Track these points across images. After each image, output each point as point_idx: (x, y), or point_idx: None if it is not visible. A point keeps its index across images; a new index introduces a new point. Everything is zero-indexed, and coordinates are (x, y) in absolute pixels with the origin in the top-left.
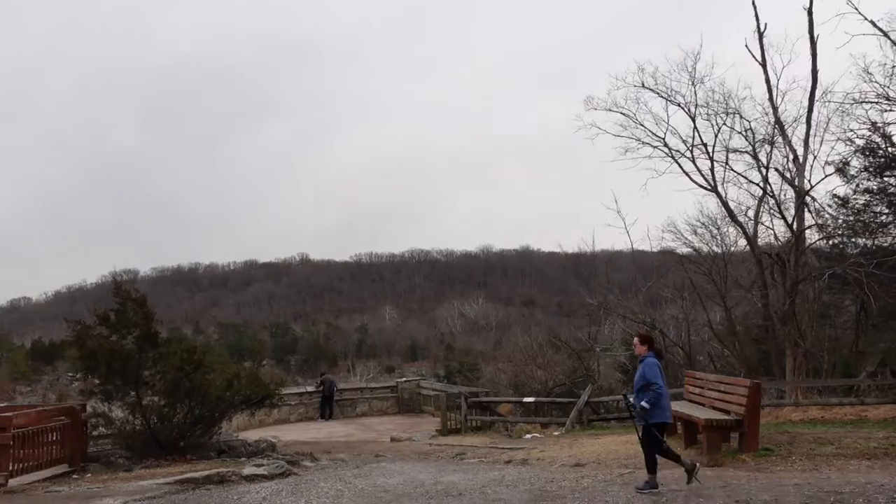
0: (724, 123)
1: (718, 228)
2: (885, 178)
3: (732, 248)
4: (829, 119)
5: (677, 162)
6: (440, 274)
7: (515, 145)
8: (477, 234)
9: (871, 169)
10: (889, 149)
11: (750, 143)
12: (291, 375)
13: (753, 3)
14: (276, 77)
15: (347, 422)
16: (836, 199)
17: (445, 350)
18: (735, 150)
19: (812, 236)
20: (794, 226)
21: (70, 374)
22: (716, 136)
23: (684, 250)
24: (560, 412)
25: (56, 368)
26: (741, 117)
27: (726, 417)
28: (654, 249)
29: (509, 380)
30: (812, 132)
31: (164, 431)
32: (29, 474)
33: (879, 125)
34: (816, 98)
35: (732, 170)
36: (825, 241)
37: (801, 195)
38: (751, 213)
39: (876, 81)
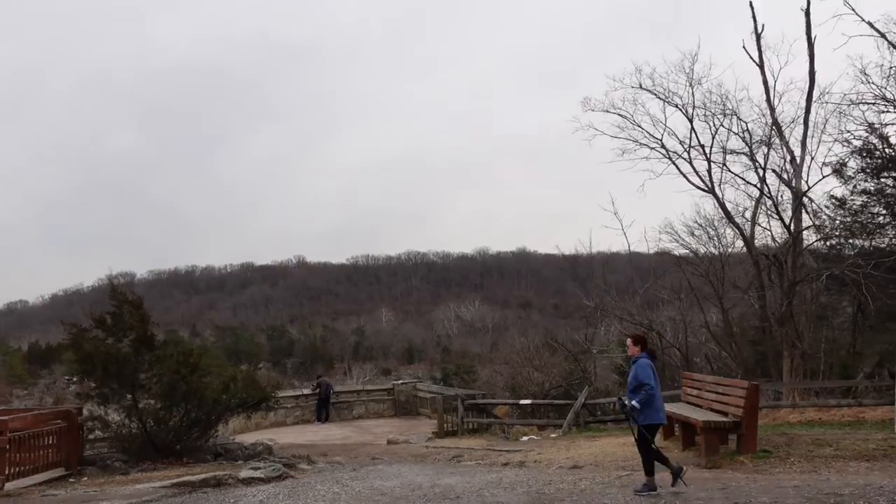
0: (722, 125)
1: (715, 230)
2: (883, 179)
3: (730, 250)
4: (827, 120)
5: (674, 163)
6: (437, 276)
7: (515, 145)
8: (475, 235)
9: (868, 170)
10: (886, 150)
11: (747, 145)
12: (288, 378)
13: (751, 4)
14: (275, 78)
15: (344, 424)
16: (833, 201)
17: (442, 352)
18: (732, 152)
19: (809, 237)
20: (792, 227)
21: (67, 378)
22: (713, 138)
23: (681, 252)
24: (557, 414)
25: (53, 372)
26: (738, 118)
27: (724, 419)
28: (652, 251)
29: (506, 382)
30: (809, 133)
31: (161, 434)
32: (25, 478)
33: (877, 126)
34: (814, 99)
35: (730, 171)
36: (822, 243)
37: (799, 196)
38: (748, 215)
39: (873, 82)
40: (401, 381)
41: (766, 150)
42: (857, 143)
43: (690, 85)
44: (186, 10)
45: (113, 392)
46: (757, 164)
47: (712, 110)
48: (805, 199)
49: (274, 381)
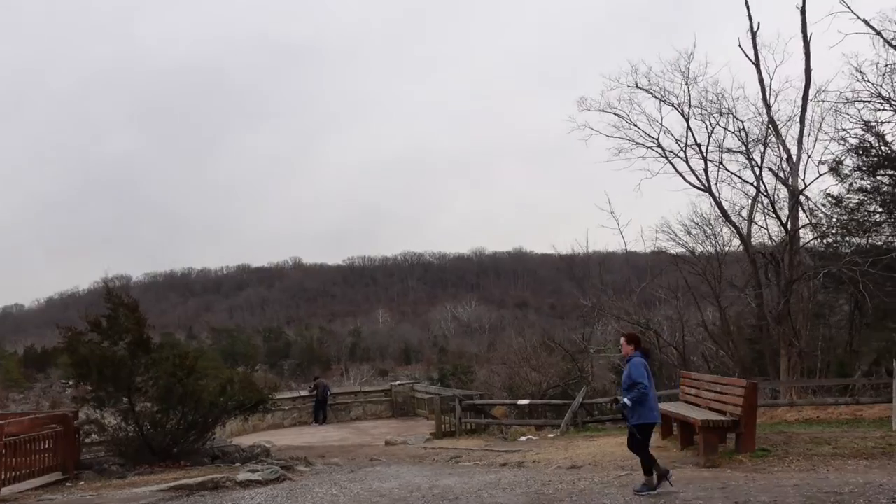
0: (718, 123)
1: (712, 228)
2: (879, 177)
3: (726, 248)
4: (823, 118)
5: (671, 162)
6: (433, 277)
7: (514, 146)
8: (471, 236)
9: (864, 168)
10: (882, 148)
11: (743, 143)
12: (285, 380)
13: (746, 2)
14: (275, 78)
15: (341, 426)
16: (829, 199)
17: (439, 353)
18: (729, 150)
19: (806, 236)
20: (788, 225)
21: (63, 382)
22: (709, 136)
23: (678, 250)
24: (554, 414)
25: (49, 376)
26: (735, 117)
27: (723, 418)
28: (648, 250)
29: (503, 382)
30: (806, 131)
31: (158, 438)
32: (21, 483)
33: (872, 124)
34: (810, 97)
35: (726, 169)
36: (819, 241)
37: (795, 194)
38: (745, 213)
39: (869, 80)
40: (398, 382)
41: (762, 149)
42: (854, 141)
43: (686, 84)
44: (186, 11)
45: (109, 395)
46: (753, 162)
47: (708, 109)
48: (802, 198)
49: (271, 383)
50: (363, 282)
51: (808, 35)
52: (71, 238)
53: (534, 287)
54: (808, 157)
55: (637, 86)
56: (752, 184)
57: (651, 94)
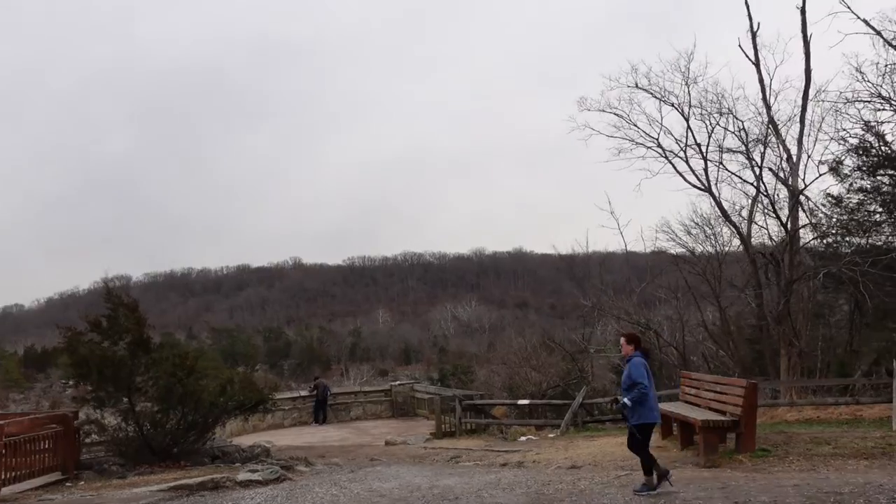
0: (718, 123)
1: (712, 228)
2: (879, 177)
3: (726, 248)
4: (823, 118)
5: (671, 162)
6: (433, 277)
7: (515, 145)
8: (471, 236)
9: (864, 168)
10: (882, 148)
11: (743, 143)
12: (285, 380)
13: (746, 2)
14: (275, 78)
15: (342, 426)
16: (829, 199)
17: (439, 353)
18: (729, 150)
19: (806, 235)
20: (788, 225)
21: (63, 382)
22: (709, 136)
23: (678, 251)
24: (554, 414)
25: (49, 376)
26: (735, 117)
27: (723, 418)
28: (648, 250)
29: (503, 382)
30: (806, 131)
31: (158, 438)
32: (21, 483)
33: (872, 124)
34: (810, 97)
35: (726, 169)
36: (819, 241)
37: (795, 194)
38: (745, 213)
39: (869, 80)
40: (398, 382)
41: (762, 149)
42: (854, 141)
43: (686, 84)
44: (186, 11)
45: (109, 395)
46: (753, 162)
47: (708, 109)
48: (801, 198)
49: (271, 383)
50: (363, 282)
51: (808, 35)
52: (71, 238)
53: (534, 287)
54: (808, 157)
55: (637, 86)
56: (752, 184)
57: (651, 94)
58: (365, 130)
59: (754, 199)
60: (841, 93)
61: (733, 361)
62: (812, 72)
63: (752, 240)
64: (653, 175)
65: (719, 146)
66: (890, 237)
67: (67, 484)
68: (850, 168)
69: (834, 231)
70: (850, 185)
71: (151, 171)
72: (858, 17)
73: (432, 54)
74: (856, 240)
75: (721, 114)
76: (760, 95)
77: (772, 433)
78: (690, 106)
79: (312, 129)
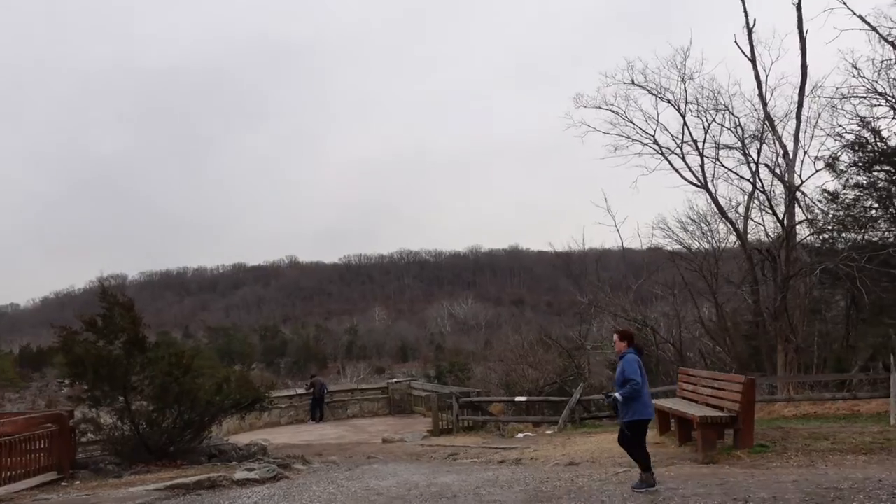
0: (714, 120)
1: (709, 225)
2: (875, 173)
3: (723, 245)
4: (819, 114)
5: (667, 159)
6: (429, 274)
7: (514, 145)
8: (468, 234)
9: (860, 164)
10: (878, 143)
11: (740, 139)
12: (281, 378)
13: None
14: (275, 78)
15: (338, 424)
16: (826, 195)
17: (436, 350)
18: (725, 147)
19: (802, 232)
20: (785, 221)
21: (59, 381)
22: (706, 133)
23: (675, 247)
24: (552, 411)
25: (45, 375)
26: (731, 113)
27: (720, 414)
28: (645, 247)
29: (500, 379)
30: (802, 128)
31: (154, 437)
32: (16, 483)
33: (868, 120)
34: (806, 93)
35: (723, 165)
36: (815, 237)
37: (792, 190)
38: (741, 209)
39: (864, 76)
40: (395, 380)
41: (758, 145)
42: (850, 136)
43: (683, 80)
44: (186, 11)
45: (105, 394)
46: (750, 158)
47: (704, 105)
48: (798, 194)
49: (267, 382)
50: (359, 280)
51: (804, 31)
52: (67, 237)
53: (530, 284)
54: (805, 153)
55: (633, 82)
56: (748, 180)
57: (647, 90)
58: (365, 130)
59: (751, 196)
60: (837, 89)
61: (730, 357)
62: (808, 68)
63: (749, 236)
64: (649, 172)
65: (716, 143)
66: (886, 233)
67: (63, 483)
68: (846, 164)
69: (830, 227)
70: (847, 181)
71: (150, 171)
72: (854, 13)
73: (432, 54)
74: (852, 235)
75: (717, 110)
76: (756, 92)
77: (769, 429)
78: (687, 102)
79: (312, 129)
